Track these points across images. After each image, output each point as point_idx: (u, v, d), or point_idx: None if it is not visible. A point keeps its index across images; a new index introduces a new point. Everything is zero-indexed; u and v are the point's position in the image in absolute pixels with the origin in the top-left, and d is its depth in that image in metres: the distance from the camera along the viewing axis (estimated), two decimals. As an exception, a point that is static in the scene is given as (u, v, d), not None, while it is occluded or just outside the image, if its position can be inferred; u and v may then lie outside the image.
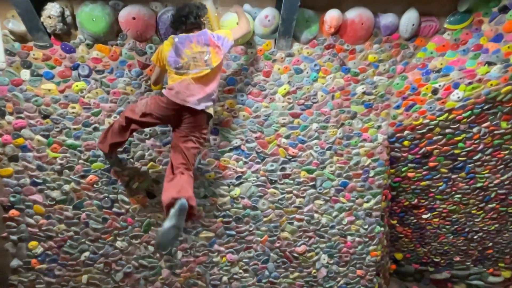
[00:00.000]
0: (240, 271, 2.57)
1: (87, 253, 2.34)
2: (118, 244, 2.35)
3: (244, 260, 2.55)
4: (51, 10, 1.86)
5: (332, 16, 2.11)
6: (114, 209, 2.30)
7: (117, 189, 2.27)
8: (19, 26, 1.93)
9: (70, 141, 2.15)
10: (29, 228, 2.26)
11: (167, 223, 1.66)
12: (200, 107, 1.80)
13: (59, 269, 2.33)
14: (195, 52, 1.79)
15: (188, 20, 1.81)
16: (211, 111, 1.89)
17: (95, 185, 2.24)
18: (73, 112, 2.11)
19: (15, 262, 2.27)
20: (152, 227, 2.37)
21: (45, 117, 2.10)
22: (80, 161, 2.19)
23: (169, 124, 2.02)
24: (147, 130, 2.20)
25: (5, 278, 2.29)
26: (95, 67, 2.07)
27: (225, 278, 2.55)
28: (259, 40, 2.17)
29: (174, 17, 1.87)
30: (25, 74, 2.03)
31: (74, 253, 2.33)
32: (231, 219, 2.45)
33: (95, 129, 2.16)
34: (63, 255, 2.32)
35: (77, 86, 2.08)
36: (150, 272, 2.43)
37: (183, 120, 1.85)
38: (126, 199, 2.29)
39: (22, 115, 2.08)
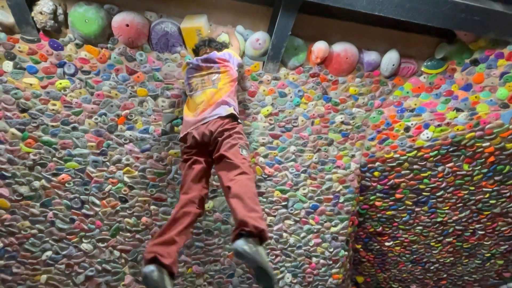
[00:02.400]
0: (205, 283, 2.58)
1: (49, 253, 2.28)
2: (83, 246, 2.31)
3: (210, 272, 2.57)
4: (44, 6, 1.85)
5: (319, 47, 2.21)
6: (83, 211, 2.27)
7: (89, 190, 2.24)
8: (8, 18, 1.89)
9: (46, 137, 2.11)
10: (-10, 222, 2.18)
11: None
12: (211, 116, 1.71)
13: (18, 266, 2.25)
14: (203, 74, 1.84)
15: (202, 47, 1.95)
16: (230, 111, 1.73)
17: (66, 184, 2.20)
18: (53, 109, 2.08)
19: (-30, 256, 2.18)
20: (120, 232, 2.34)
21: (23, 111, 2.06)
22: (54, 158, 2.15)
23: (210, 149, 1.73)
24: (127, 135, 2.20)
25: (-43, 272, 2.20)
26: (81, 67, 2.06)
27: (188, 289, 2.56)
28: (248, 60, 2.23)
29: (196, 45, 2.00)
30: (7, 65, 1.98)
31: (35, 251, 2.26)
32: (201, 231, 2.47)
33: (74, 128, 2.14)
34: (24, 252, 2.25)
35: (60, 84, 2.05)
36: (113, 278, 2.39)
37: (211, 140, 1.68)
38: (97, 201, 2.26)
39: (-2, 106, 2.03)
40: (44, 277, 2.31)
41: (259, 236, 1.28)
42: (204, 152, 1.73)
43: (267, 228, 1.33)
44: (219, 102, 1.75)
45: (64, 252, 2.30)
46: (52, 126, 2.11)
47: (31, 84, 2.02)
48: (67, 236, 2.28)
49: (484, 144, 2.39)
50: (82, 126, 2.15)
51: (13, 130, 2.07)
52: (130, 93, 2.15)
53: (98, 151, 2.20)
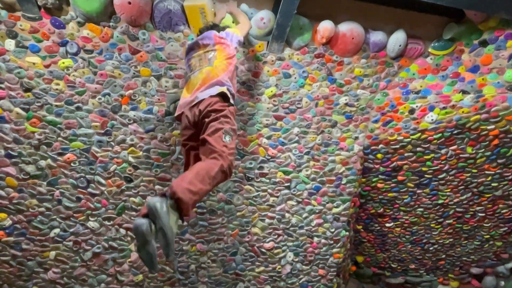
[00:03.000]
0: (208, 261, 2.65)
1: (57, 230, 2.34)
2: (90, 224, 2.36)
3: (213, 250, 2.63)
4: (44, -17, 1.82)
5: (325, 27, 2.17)
6: (89, 190, 2.30)
7: (95, 170, 2.27)
8: (8, -6, 1.87)
9: (50, 117, 2.12)
10: (-1, 200, 2.22)
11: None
12: (202, 96, 1.63)
13: (27, 243, 2.32)
14: (200, 54, 1.80)
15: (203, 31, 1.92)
16: (221, 90, 1.65)
17: (72, 164, 2.23)
18: (57, 89, 2.08)
19: (-19, 232, 2.24)
20: (126, 211, 2.39)
21: (27, 90, 2.06)
22: (59, 138, 2.17)
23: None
24: (131, 115, 2.21)
25: (-31, 247, 2.26)
26: (84, 46, 2.04)
27: (192, 266, 2.62)
28: (252, 40, 2.20)
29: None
30: (9, 43, 1.97)
31: (43, 228, 2.32)
32: (205, 210, 2.52)
33: (78, 108, 2.14)
34: (32, 229, 2.31)
35: (63, 63, 2.04)
36: (119, 254, 2.46)
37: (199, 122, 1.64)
38: (103, 181, 2.29)
39: (2, 85, 2.02)
40: (53, 254, 2.37)
41: (176, 203, 1.29)
42: (199, 135, 1.64)
43: (189, 201, 1.29)
44: (213, 82, 1.68)
45: (71, 230, 2.36)
46: (56, 105, 2.11)
47: (34, 63, 2.01)
48: (74, 214, 2.33)
49: (489, 127, 2.37)
50: (86, 106, 2.15)
51: (18, 109, 2.07)
52: (134, 73, 2.14)
53: (103, 131, 2.21)
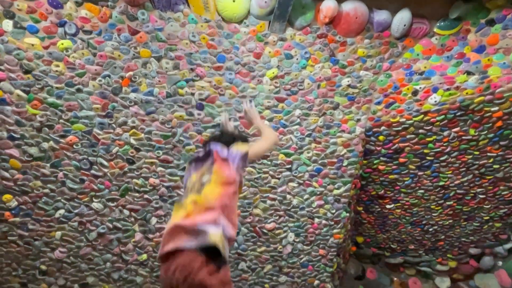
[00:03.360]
0: (211, 241, 2.70)
1: (62, 211, 2.38)
2: (94, 205, 2.40)
3: (216, 231, 2.68)
4: (40, -40, 1.77)
5: (328, 6, 2.12)
6: (92, 171, 2.33)
7: (97, 152, 2.28)
8: (4, -27, 1.82)
9: (51, 99, 2.11)
10: (4, 182, 2.25)
11: None
12: (179, 245, 1.13)
13: (33, 223, 2.36)
14: (198, 174, 1.39)
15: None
16: (211, 240, 1.12)
17: (74, 146, 2.24)
18: (57, 71, 2.06)
19: (-13, 213, 2.28)
20: (129, 192, 2.42)
21: (27, 72, 2.04)
22: (61, 120, 2.17)
23: None
24: (131, 97, 2.20)
25: (-24, 228, 2.31)
26: (82, 27, 2.01)
27: (195, 246, 2.68)
28: (253, 20, 2.16)
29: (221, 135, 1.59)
30: (7, 24, 1.94)
31: (48, 209, 2.36)
32: (207, 192, 2.54)
33: (78, 90, 2.13)
34: (38, 210, 2.35)
35: (62, 44, 2.01)
36: (124, 235, 2.51)
37: None
38: (105, 163, 2.31)
39: (2, 67, 2.01)
40: (58, 234, 2.42)
41: None
42: None
43: None
44: (195, 223, 1.15)
45: (76, 211, 2.40)
46: (57, 87, 2.10)
47: (32, 45, 1.99)
48: (78, 196, 2.37)
49: (492, 109, 2.35)
50: (87, 88, 2.14)
51: (18, 91, 2.06)
52: (133, 54, 2.11)
53: (104, 113, 2.21)
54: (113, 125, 2.25)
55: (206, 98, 2.30)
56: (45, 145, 2.21)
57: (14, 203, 2.30)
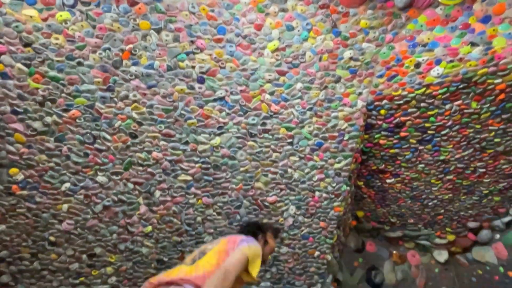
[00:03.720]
0: (214, 213, 2.76)
1: (67, 184, 2.43)
2: (99, 178, 2.45)
3: (219, 204, 2.74)
4: None
5: (330, -26, 2.07)
6: (96, 145, 2.36)
7: (100, 126, 2.30)
8: None
9: (52, 73, 2.12)
10: (9, 155, 2.29)
11: None
12: None
13: (40, 196, 2.42)
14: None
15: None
16: None
17: (77, 120, 2.26)
18: (56, 44, 2.05)
19: (-5, 186, 2.34)
20: (133, 166, 2.46)
21: (27, 45, 2.04)
22: (63, 94, 2.18)
23: None
24: (132, 70, 2.19)
25: (-15, 200, 2.37)
26: (80, -2, 1.98)
27: (199, 219, 2.75)
28: (254, -10, 2.12)
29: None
30: (4, -5, 1.92)
31: (54, 183, 2.41)
32: (209, 165, 2.58)
33: (79, 63, 2.13)
34: (44, 184, 2.39)
35: (61, 16, 2.00)
36: (129, 207, 2.57)
37: None
38: (108, 137, 2.34)
39: (1, 40, 2.00)
40: (65, 206, 2.48)
41: None
42: None
43: None
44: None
45: (81, 184, 2.45)
46: (57, 61, 2.10)
47: (31, 16, 1.97)
48: (83, 169, 2.41)
49: (496, 81, 2.33)
50: (87, 61, 2.13)
51: (19, 65, 2.06)
52: (133, 26, 2.09)
53: (105, 87, 2.21)
54: (115, 99, 2.26)
55: (207, 71, 2.29)
56: (49, 119, 2.23)
57: (20, 177, 2.35)
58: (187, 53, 2.22)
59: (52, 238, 2.47)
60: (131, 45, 2.13)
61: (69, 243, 2.50)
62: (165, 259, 2.69)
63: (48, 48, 2.06)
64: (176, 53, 2.20)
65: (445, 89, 2.41)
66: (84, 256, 2.55)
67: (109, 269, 2.59)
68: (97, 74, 2.17)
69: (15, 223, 2.40)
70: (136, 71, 2.20)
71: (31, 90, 2.14)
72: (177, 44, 2.18)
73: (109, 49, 2.12)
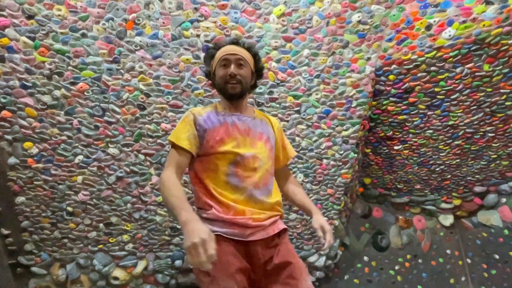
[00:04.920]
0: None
1: (80, 157, 2.49)
2: (110, 150, 2.50)
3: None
4: None
5: None
6: (105, 118, 2.39)
7: (108, 98, 2.32)
8: None
9: (58, 45, 2.11)
10: (22, 130, 2.33)
11: None
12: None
13: (55, 169, 2.49)
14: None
15: None
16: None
17: (85, 93, 2.28)
18: (59, 15, 2.03)
19: (12, 160, 2.40)
20: (143, 137, 2.49)
21: (30, 17, 2.01)
22: (69, 67, 2.18)
23: None
24: (137, 41, 2.17)
25: (4, 173, 2.45)
26: (80, -35, 1.93)
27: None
28: (258, -49, 2.03)
29: None
30: (3, -35, 1.88)
31: (68, 155, 2.47)
32: (217, 136, 2.60)
33: (83, 35, 2.11)
34: (58, 156, 2.46)
35: (61, -15, 1.96)
36: (141, 178, 2.64)
37: None
38: (117, 109, 2.36)
39: (4, 13, 1.98)
40: (80, 178, 2.56)
41: None
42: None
43: None
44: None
45: (94, 156, 2.51)
46: (62, 33, 2.08)
47: (32, -13, 1.94)
48: (95, 142, 2.46)
49: (510, 41, 2.26)
50: (91, 32, 2.11)
51: (24, 38, 2.06)
52: (135, -6, 2.04)
53: (111, 59, 2.20)
54: (121, 70, 2.25)
55: (212, 40, 2.25)
56: (57, 92, 2.25)
57: (35, 150, 2.41)
58: (191, 21, 2.18)
59: (69, 209, 2.58)
60: (134, 14, 2.10)
61: (86, 212, 2.61)
62: (178, 227, 2.79)
63: (51, 20, 2.03)
64: (180, 22, 2.16)
65: (456, 52, 2.35)
66: (101, 225, 2.66)
67: (125, 237, 2.71)
68: (102, 45, 2.15)
69: (33, 195, 2.49)
70: (140, 41, 2.17)
71: (38, 64, 2.14)
72: (180, 12, 2.14)
73: (112, 19, 2.09)
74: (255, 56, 1.53)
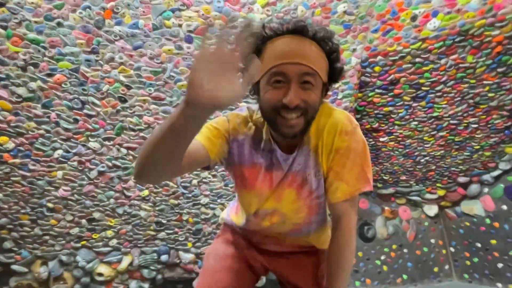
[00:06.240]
0: (209, 176, 2.79)
1: (60, 151, 2.41)
2: (91, 144, 2.43)
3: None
4: None
5: None
6: (85, 111, 2.31)
7: (87, 90, 2.24)
8: None
9: (32, 35, 2.01)
10: (-3, 124, 2.24)
11: None
12: None
13: (33, 164, 2.41)
14: None
15: None
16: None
17: (63, 85, 2.19)
18: (32, 2, 1.93)
19: (-14, 155, 2.31)
20: (124, 131, 2.43)
21: (1, 5, 1.91)
22: (45, 58, 2.09)
23: None
24: (116, 30, 2.09)
25: (-22, 169, 2.36)
26: (53, -50, 1.83)
27: (194, 181, 2.77)
28: None
29: None
30: (-31, -51, 1.77)
31: (46, 150, 2.38)
32: (202, 129, 2.55)
33: (59, 24, 2.02)
34: (36, 151, 2.37)
35: (34, -29, 1.86)
36: (124, 172, 2.58)
37: None
38: (97, 101, 2.28)
39: (-28, 0, 1.88)
40: (60, 173, 2.48)
41: None
42: None
43: None
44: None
45: (74, 151, 2.43)
46: (36, 22, 1.99)
47: (1, -28, 1.83)
48: (74, 136, 2.38)
49: (493, 33, 2.26)
50: (67, 21, 2.02)
51: (-5, 27, 1.95)
52: (113, -18, 1.96)
53: (89, 49, 2.12)
54: (100, 61, 2.17)
55: (194, 30, 2.19)
56: (33, 85, 2.16)
57: (11, 145, 2.32)
58: (173, 10, 2.11)
59: (50, 205, 2.50)
60: (112, 3, 2.02)
61: (67, 208, 2.54)
62: (164, 221, 2.75)
63: (23, 8, 1.94)
64: (161, 11, 2.09)
65: (441, 43, 2.35)
66: (83, 221, 2.59)
67: (109, 232, 2.65)
68: (79, 35, 2.07)
69: (11, 191, 2.41)
70: (120, 31, 2.10)
71: (11, 54, 2.05)
72: (161, 1, 2.07)
73: (89, 7, 2.00)
74: (331, 53, 1.00)
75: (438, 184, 3.91)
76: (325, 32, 0.98)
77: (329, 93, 2.59)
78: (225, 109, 0.75)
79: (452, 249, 3.84)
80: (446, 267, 3.81)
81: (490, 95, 2.74)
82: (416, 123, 3.06)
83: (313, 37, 0.96)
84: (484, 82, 2.63)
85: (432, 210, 3.97)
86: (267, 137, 1.07)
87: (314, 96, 0.94)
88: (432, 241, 3.90)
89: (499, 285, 3.21)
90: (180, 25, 2.16)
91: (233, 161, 1.11)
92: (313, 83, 0.93)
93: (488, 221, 3.46)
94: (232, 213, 1.34)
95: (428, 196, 4.01)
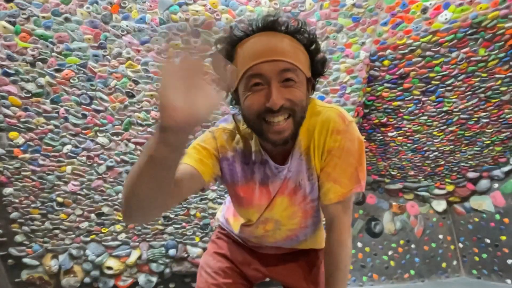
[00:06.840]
0: (216, 171, 2.79)
1: (69, 146, 2.43)
2: (99, 139, 2.44)
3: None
4: None
5: None
6: (93, 106, 2.32)
7: (95, 86, 2.24)
8: None
9: (40, 30, 2.02)
10: (7, 119, 2.26)
11: None
12: None
13: (43, 159, 2.43)
14: None
15: None
16: None
17: (71, 80, 2.20)
18: (40, -2, 1.93)
19: (-3, 150, 2.34)
20: (132, 126, 2.43)
21: (9, 1, 1.92)
22: (53, 53, 2.10)
23: None
24: (123, 25, 2.08)
25: (-11, 164, 2.39)
26: None
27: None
28: None
29: None
30: None
31: (56, 145, 2.41)
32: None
33: (67, 19, 2.02)
34: (45, 146, 2.40)
35: (41, -34, 1.85)
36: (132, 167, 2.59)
37: None
38: (105, 97, 2.29)
39: (-19, -4, 1.88)
40: (69, 168, 2.51)
41: None
42: None
43: None
44: None
45: (82, 146, 2.45)
46: (43, 17, 1.99)
47: (9, -32, 1.83)
48: (83, 131, 2.39)
49: (506, 25, 2.21)
50: (75, 16, 2.02)
51: (4, 23, 1.96)
52: (120, -24, 1.95)
53: (97, 44, 2.12)
54: (108, 56, 2.17)
55: (201, 24, 2.17)
56: (42, 80, 2.17)
57: (21, 140, 2.34)
58: (180, 4, 2.09)
59: (59, 199, 2.53)
60: (119, -3, 2.01)
61: (76, 203, 2.57)
62: (172, 216, 2.77)
63: (31, 3, 1.94)
64: (168, 5, 2.08)
65: (452, 36, 2.30)
66: (92, 215, 2.62)
67: (118, 227, 2.68)
68: (86, 30, 2.07)
69: (21, 186, 2.44)
70: (127, 26, 2.09)
71: (20, 50, 2.06)
72: (168, -5, 2.05)
73: (96, 2, 2.00)
74: (309, 45, 0.93)
75: (447, 180, 3.87)
76: (299, 23, 0.91)
77: (337, 87, 2.57)
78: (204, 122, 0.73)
79: (460, 245, 3.80)
80: (454, 263, 3.78)
81: (502, 89, 2.68)
82: (425, 117, 3.01)
83: (286, 31, 0.89)
84: (496, 75, 2.58)
85: (440, 205, 3.93)
86: (257, 148, 1.01)
87: (299, 93, 0.86)
88: (440, 236, 3.86)
89: (508, 281, 3.18)
90: (187, 20, 2.14)
91: (226, 180, 1.06)
92: (295, 80, 0.85)
93: (497, 217, 3.41)
94: (229, 216, 1.31)
95: (436, 191, 3.96)
